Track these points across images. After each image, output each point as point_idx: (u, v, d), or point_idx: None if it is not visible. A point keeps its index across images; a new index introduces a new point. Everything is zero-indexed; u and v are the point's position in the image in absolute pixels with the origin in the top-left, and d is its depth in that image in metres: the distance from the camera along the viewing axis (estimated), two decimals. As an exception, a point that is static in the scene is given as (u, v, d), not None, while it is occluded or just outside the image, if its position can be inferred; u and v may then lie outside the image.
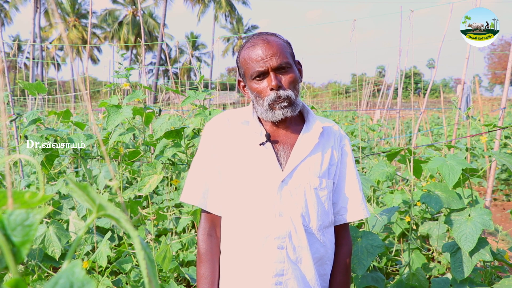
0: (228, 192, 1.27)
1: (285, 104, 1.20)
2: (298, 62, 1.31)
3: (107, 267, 2.20)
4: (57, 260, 1.99)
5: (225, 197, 1.28)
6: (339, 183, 1.32)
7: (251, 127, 1.27)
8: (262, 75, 1.21)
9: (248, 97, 1.31)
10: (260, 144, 1.23)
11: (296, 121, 1.32)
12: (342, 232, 1.35)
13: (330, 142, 1.31)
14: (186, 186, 1.32)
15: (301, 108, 1.29)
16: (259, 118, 1.30)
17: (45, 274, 2.07)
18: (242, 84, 1.33)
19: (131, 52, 39.01)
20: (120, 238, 2.67)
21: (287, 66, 1.20)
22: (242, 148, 1.25)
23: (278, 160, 1.23)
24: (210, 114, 2.02)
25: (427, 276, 2.51)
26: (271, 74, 1.19)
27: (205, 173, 1.29)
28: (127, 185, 3.61)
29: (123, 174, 2.47)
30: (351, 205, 1.32)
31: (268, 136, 1.24)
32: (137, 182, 3.59)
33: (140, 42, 4.01)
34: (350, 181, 1.32)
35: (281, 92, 1.19)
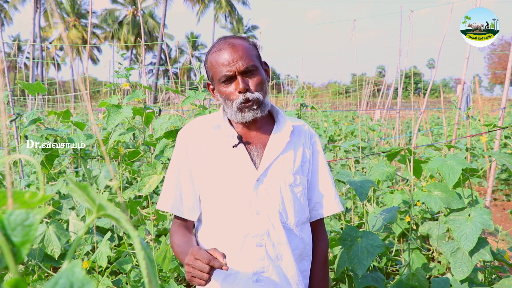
0: (205, 196, 1.29)
1: (254, 107, 1.23)
2: (265, 63, 1.34)
3: (107, 267, 2.20)
4: (57, 260, 1.99)
5: (202, 201, 1.30)
6: (312, 179, 1.35)
7: (223, 130, 1.29)
8: (230, 79, 1.23)
9: (217, 100, 1.33)
10: (233, 146, 1.26)
11: (266, 121, 1.35)
12: (318, 227, 1.39)
13: (301, 140, 1.34)
14: (161, 194, 1.35)
15: (270, 108, 1.33)
16: (230, 121, 1.32)
17: (45, 274, 2.07)
18: (211, 87, 1.35)
19: (131, 52, 39.02)
20: (120, 238, 2.67)
21: (253, 69, 1.23)
22: (215, 151, 1.28)
23: (252, 160, 1.26)
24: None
25: (427, 276, 2.51)
26: (238, 77, 1.22)
27: (177, 180, 1.31)
28: (127, 185, 3.61)
29: (123, 174, 2.47)
30: (326, 200, 1.35)
31: (240, 138, 1.27)
32: (137, 182, 3.59)
33: (140, 42, 4.01)
34: (323, 177, 1.36)
35: (249, 95, 1.22)
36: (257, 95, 1.23)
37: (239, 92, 1.22)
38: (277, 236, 1.22)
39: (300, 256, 1.29)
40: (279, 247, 1.23)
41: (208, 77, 1.32)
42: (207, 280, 1.00)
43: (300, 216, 1.28)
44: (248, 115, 1.23)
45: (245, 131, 1.31)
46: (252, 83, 1.23)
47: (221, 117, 1.32)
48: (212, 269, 1.00)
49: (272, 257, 1.22)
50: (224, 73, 1.22)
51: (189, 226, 1.33)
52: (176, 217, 1.34)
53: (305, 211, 1.31)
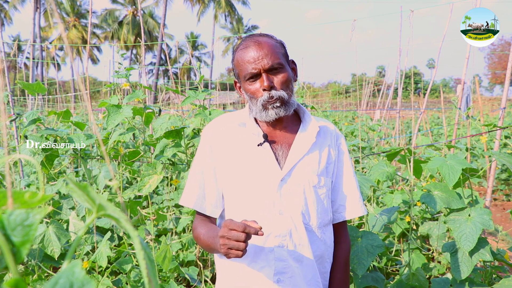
0: (228, 194, 1.28)
1: (278, 104, 1.22)
2: (292, 61, 1.32)
3: (107, 267, 2.20)
4: (57, 260, 1.99)
5: (226, 198, 1.30)
6: (336, 181, 1.33)
7: (248, 128, 1.28)
8: (255, 76, 1.22)
9: (244, 98, 1.32)
10: (258, 145, 1.25)
11: (292, 121, 1.33)
12: (340, 230, 1.37)
13: (327, 141, 1.32)
14: (184, 190, 1.35)
15: (296, 108, 1.31)
16: (256, 120, 1.31)
17: (45, 274, 2.07)
18: (238, 85, 1.35)
19: (131, 52, 39.01)
20: (120, 238, 2.67)
21: (279, 67, 1.22)
22: (240, 149, 1.27)
23: (277, 160, 1.25)
24: (210, 114, 2.02)
25: (427, 276, 2.51)
26: (263, 75, 1.21)
27: (201, 177, 1.31)
28: (127, 185, 3.61)
29: (123, 174, 2.47)
30: (349, 203, 1.34)
31: (265, 137, 1.25)
32: (137, 182, 3.59)
33: (140, 42, 4.01)
34: (348, 179, 1.34)
35: (273, 93, 1.21)
36: (281, 93, 1.22)
37: (264, 90, 1.21)
38: (299, 237, 1.22)
39: (321, 258, 1.28)
40: (300, 248, 1.22)
41: (234, 74, 1.31)
42: (244, 250, 1.00)
43: (322, 218, 1.27)
44: (271, 113, 1.22)
45: (271, 130, 1.30)
46: (277, 81, 1.22)
47: (246, 115, 1.31)
48: (247, 237, 0.99)
49: (293, 258, 1.21)
50: (250, 70, 1.21)
51: (212, 221, 1.33)
52: (198, 212, 1.33)
53: (328, 213, 1.29)
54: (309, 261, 1.23)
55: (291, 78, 1.26)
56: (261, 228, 0.99)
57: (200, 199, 1.30)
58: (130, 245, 2.28)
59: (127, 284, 2.16)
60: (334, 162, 1.32)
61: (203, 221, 1.31)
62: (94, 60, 41.04)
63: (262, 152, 1.25)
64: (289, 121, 1.32)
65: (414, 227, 2.82)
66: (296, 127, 1.32)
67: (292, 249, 1.21)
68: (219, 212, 1.32)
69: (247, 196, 1.24)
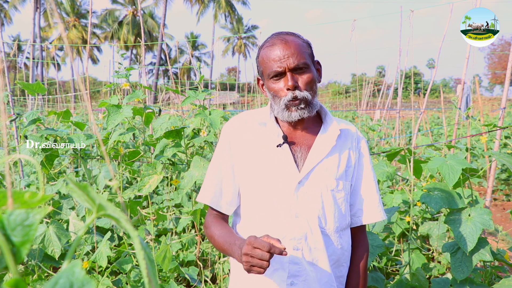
0: (245, 193, 1.28)
1: (302, 106, 1.20)
2: (318, 62, 1.30)
3: (107, 267, 2.20)
4: (57, 260, 1.99)
5: (242, 197, 1.29)
6: (356, 185, 1.31)
7: (269, 128, 1.27)
8: (280, 75, 1.20)
9: (266, 96, 1.31)
10: (278, 146, 1.23)
11: (313, 122, 1.31)
12: (358, 234, 1.35)
13: (348, 144, 1.30)
14: (202, 186, 1.34)
15: (318, 108, 1.29)
16: (276, 119, 1.30)
17: (45, 274, 2.07)
18: (261, 82, 1.33)
19: (131, 52, 39.01)
20: (120, 238, 2.67)
21: (304, 67, 1.20)
22: (259, 149, 1.26)
23: (295, 162, 1.23)
24: (210, 114, 2.02)
25: (427, 276, 2.51)
26: (288, 74, 1.19)
27: (219, 174, 1.30)
28: (127, 185, 3.61)
29: (123, 174, 2.47)
30: (368, 207, 1.31)
31: (285, 138, 1.24)
32: (137, 182, 3.59)
33: (140, 42, 4.01)
34: (367, 183, 1.32)
35: (298, 93, 1.19)
36: (306, 94, 1.20)
37: (288, 89, 1.19)
38: (314, 241, 1.20)
39: (337, 262, 1.26)
40: (315, 252, 1.20)
41: (258, 71, 1.30)
42: (266, 268, 1.00)
43: (340, 222, 1.25)
44: (295, 115, 1.21)
45: (291, 131, 1.28)
46: (301, 81, 1.20)
47: (267, 114, 1.29)
48: (271, 256, 0.99)
49: (308, 261, 1.20)
50: (274, 68, 1.19)
51: (225, 218, 1.32)
52: (212, 208, 1.32)
53: (345, 217, 1.27)
54: (324, 265, 1.21)
55: (316, 79, 1.24)
56: (284, 249, 0.99)
57: (217, 196, 1.29)
58: (130, 245, 2.28)
59: (127, 284, 2.16)
60: (354, 165, 1.30)
61: (217, 219, 1.30)
62: (94, 60, 41.05)
63: (281, 153, 1.23)
64: (310, 122, 1.30)
65: (414, 227, 2.82)
66: (317, 129, 1.30)
67: (307, 252, 1.20)
68: (234, 209, 1.31)
69: (264, 197, 1.23)
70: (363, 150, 1.34)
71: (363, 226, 1.36)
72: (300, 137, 1.27)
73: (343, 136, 1.30)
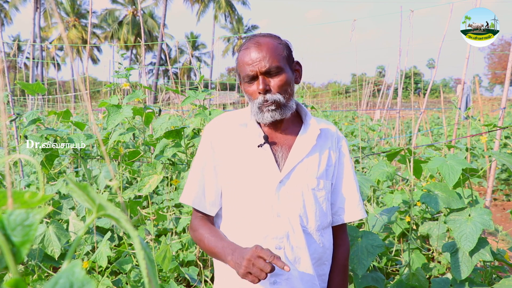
0: (227, 193, 1.28)
1: (273, 107, 1.21)
2: (297, 63, 1.30)
3: (107, 267, 2.20)
4: (57, 260, 1.99)
5: (224, 197, 1.30)
6: (336, 184, 1.33)
7: (249, 129, 1.28)
8: (253, 78, 1.22)
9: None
10: (259, 146, 1.25)
11: (294, 122, 1.33)
12: (339, 232, 1.37)
13: (328, 144, 1.32)
14: (185, 187, 1.35)
15: (298, 109, 1.31)
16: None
17: (45, 274, 2.07)
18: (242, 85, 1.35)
19: (131, 52, 39.01)
20: (120, 238, 2.67)
21: (277, 70, 1.21)
22: (240, 149, 1.27)
23: (276, 161, 1.25)
24: (210, 114, 2.02)
25: (427, 276, 2.50)
26: (260, 78, 1.21)
27: (201, 175, 1.31)
28: (127, 185, 3.61)
29: (123, 174, 2.47)
30: (349, 205, 1.33)
31: (266, 138, 1.25)
32: (137, 182, 3.59)
33: (140, 42, 4.01)
34: (348, 182, 1.34)
35: (268, 96, 1.21)
36: (277, 96, 1.21)
37: (259, 93, 1.21)
38: (296, 240, 1.21)
39: (319, 261, 1.28)
40: (297, 250, 1.22)
41: (237, 75, 1.31)
42: (263, 279, 1.01)
43: (321, 220, 1.26)
44: (267, 116, 1.22)
45: (272, 131, 1.29)
46: (273, 84, 1.21)
47: (248, 115, 1.30)
48: (272, 270, 1.00)
49: (290, 260, 1.21)
50: (247, 72, 1.21)
51: (210, 220, 1.33)
52: (196, 210, 1.33)
53: (327, 216, 1.29)
54: (306, 263, 1.23)
55: (290, 81, 1.24)
56: (287, 266, 1.00)
57: (199, 197, 1.30)
58: (130, 245, 2.28)
59: (127, 284, 2.17)
60: (334, 164, 1.31)
61: (203, 222, 1.30)
62: (94, 60, 41.05)
63: (262, 153, 1.25)
64: (290, 122, 1.31)
65: (414, 227, 2.82)
66: (297, 129, 1.31)
67: (289, 251, 1.21)
68: (217, 210, 1.32)
69: (245, 197, 1.24)
70: (344, 150, 1.35)
71: (344, 225, 1.38)
72: (281, 137, 1.29)
73: (323, 135, 1.32)
